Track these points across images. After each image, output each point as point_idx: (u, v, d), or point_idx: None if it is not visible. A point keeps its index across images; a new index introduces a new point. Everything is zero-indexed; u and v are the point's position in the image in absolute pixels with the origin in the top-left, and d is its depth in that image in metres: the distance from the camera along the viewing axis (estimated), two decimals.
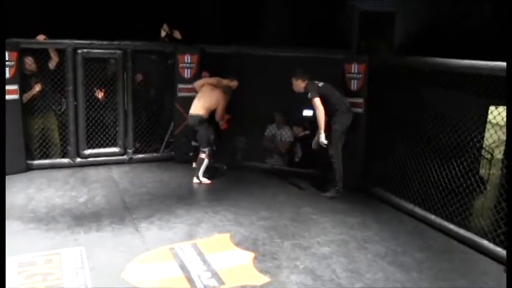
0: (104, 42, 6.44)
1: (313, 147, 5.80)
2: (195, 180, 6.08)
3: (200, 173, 6.08)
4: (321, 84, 5.78)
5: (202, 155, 6.06)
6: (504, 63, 4.05)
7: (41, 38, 6.13)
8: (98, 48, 6.40)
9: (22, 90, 6.03)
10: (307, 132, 6.77)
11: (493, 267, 4.20)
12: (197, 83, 6.34)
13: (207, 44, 6.96)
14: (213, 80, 6.36)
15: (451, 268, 4.19)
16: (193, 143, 6.54)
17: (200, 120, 6.01)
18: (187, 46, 6.84)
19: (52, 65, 6.28)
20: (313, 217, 5.16)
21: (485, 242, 4.42)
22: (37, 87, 6.20)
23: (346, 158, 5.85)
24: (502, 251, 4.19)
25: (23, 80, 6.06)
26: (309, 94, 5.69)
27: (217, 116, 6.16)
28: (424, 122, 5.15)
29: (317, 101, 5.62)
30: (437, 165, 5.04)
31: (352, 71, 6.04)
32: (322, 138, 5.58)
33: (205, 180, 6.09)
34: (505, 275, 3.83)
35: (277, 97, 6.52)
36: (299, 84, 5.83)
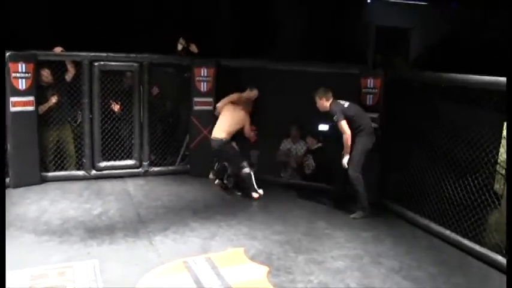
0: (121, 55, 6.51)
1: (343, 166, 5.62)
2: (254, 195, 6.07)
3: (255, 187, 6.10)
4: (346, 104, 5.66)
5: (246, 170, 6.06)
6: None
7: (58, 50, 6.23)
8: (114, 61, 6.46)
9: (38, 102, 6.10)
10: (320, 144, 6.77)
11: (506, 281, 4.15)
12: (219, 106, 6.36)
13: (223, 58, 7.01)
14: (234, 96, 6.34)
15: (465, 283, 4.17)
16: (225, 164, 6.44)
17: (223, 143, 6.06)
18: (204, 59, 6.89)
19: (69, 77, 6.38)
20: (327, 231, 5.14)
21: (499, 258, 4.38)
22: (53, 99, 6.28)
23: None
24: None
25: (39, 91, 6.13)
26: (335, 117, 5.56)
27: (246, 134, 6.25)
28: (439, 136, 5.13)
29: (343, 125, 5.50)
30: (452, 180, 5.01)
31: (368, 86, 6.04)
32: (345, 161, 5.52)
33: (260, 191, 6.14)
34: None
35: (292, 111, 6.53)
36: (323, 103, 5.70)
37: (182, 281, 3.94)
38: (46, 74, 6.23)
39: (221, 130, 6.08)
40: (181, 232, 4.90)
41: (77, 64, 6.33)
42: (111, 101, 6.57)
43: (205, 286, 3.86)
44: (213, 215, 5.44)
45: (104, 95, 6.47)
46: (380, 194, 6.00)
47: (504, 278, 4.19)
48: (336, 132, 6.20)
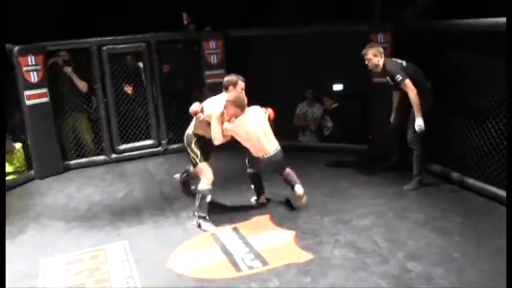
0: (128, 37, 6.50)
1: (418, 131, 5.06)
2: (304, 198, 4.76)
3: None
4: (404, 63, 5.12)
5: (288, 169, 4.80)
6: None
7: (67, 70, 6.32)
8: (122, 43, 6.47)
9: (52, 93, 6.15)
10: (336, 104, 6.73)
11: None
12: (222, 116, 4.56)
13: (230, 28, 6.94)
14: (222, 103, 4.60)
15: (491, 229, 4.14)
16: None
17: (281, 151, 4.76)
18: (211, 32, 6.84)
19: (83, 88, 6.41)
20: (350, 191, 5.16)
21: None
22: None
23: (376, 128, 5.81)
24: None
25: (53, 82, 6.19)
26: (397, 77, 4.97)
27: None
28: (456, 86, 5.04)
29: (409, 84, 4.93)
30: (473, 128, 4.95)
31: (379, 41, 5.94)
32: (421, 123, 4.95)
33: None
34: None
35: (304, 74, 6.48)
36: (377, 62, 5.11)
37: (211, 253, 4.02)
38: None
39: (271, 138, 4.74)
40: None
41: (85, 51, 6.31)
42: (123, 83, 6.60)
43: (234, 255, 3.93)
44: (236, 185, 5.48)
45: (115, 78, 6.50)
46: (401, 148, 5.96)
47: None
48: (351, 91, 6.18)
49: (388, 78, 5.16)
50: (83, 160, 6.54)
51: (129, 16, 7.53)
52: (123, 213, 4.96)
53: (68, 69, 6.31)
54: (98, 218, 4.85)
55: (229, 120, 4.48)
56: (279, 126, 5.24)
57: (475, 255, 3.76)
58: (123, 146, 6.68)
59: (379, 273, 3.57)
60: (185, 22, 7.08)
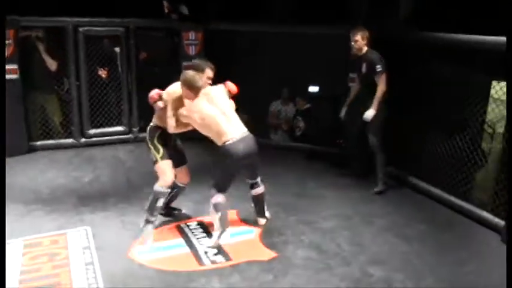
0: (106, 20, 6.38)
1: (341, 115, 5.35)
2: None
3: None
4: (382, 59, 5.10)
5: (262, 188, 4.32)
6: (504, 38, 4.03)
7: (40, 47, 6.14)
8: (99, 26, 6.33)
9: (22, 70, 5.95)
10: (309, 105, 6.77)
11: (492, 237, 4.27)
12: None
13: (212, 21, 6.88)
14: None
15: (452, 239, 4.26)
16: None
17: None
18: (191, 23, 6.78)
19: (53, 68, 6.24)
20: (317, 192, 5.20)
21: (485, 214, 4.48)
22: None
23: (349, 131, 5.87)
24: (500, 222, 4.26)
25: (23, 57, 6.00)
26: (378, 67, 4.98)
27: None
28: (429, 95, 5.12)
29: (384, 77, 5.00)
30: (442, 139, 5.04)
31: None
32: (370, 113, 5.02)
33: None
34: (502, 245, 4.03)
35: (282, 73, 6.48)
36: (361, 46, 5.13)
37: (175, 244, 3.99)
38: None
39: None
40: None
41: (60, 30, 6.16)
42: (97, 67, 6.48)
43: (198, 248, 3.91)
44: (205, 178, 5.41)
45: (90, 61, 6.37)
46: (370, 154, 6.04)
47: (489, 233, 4.31)
48: (325, 93, 6.21)
49: (365, 66, 5.14)
50: (50, 142, 6.39)
51: None
52: (87, 198, 4.86)
53: (41, 46, 6.14)
54: (61, 202, 4.75)
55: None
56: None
57: (435, 263, 3.84)
58: (93, 131, 6.56)
59: (341, 275, 3.60)
60: (166, 10, 7.00)
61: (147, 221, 4.01)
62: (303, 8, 6.94)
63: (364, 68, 5.17)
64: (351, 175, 5.67)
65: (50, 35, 6.16)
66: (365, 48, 5.16)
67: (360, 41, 5.12)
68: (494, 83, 5.11)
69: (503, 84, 4.91)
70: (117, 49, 6.60)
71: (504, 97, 4.85)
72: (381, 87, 5.03)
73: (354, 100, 5.46)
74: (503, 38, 4.05)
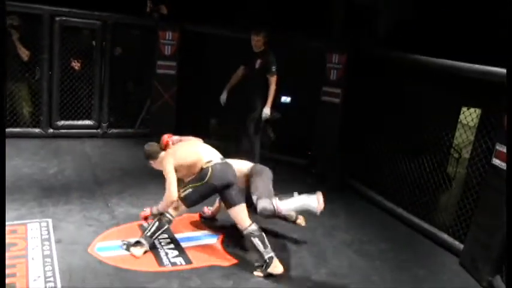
0: (85, 12, 6.27)
1: (222, 97, 5.93)
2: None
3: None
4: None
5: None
6: (480, 66, 4.16)
7: (14, 35, 6.00)
8: (77, 17, 6.23)
9: None
10: (279, 115, 6.81)
11: (451, 259, 4.38)
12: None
13: (189, 22, 6.86)
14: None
15: (412, 259, 4.34)
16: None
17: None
18: (169, 23, 6.75)
19: (25, 57, 6.11)
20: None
21: (445, 236, 4.59)
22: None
23: (318, 144, 5.95)
24: (459, 245, 4.38)
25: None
26: (274, 67, 5.63)
27: None
28: (398, 116, 5.22)
29: (276, 79, 5.66)
30: (409, 160, 5.14)
31: (333, 61, 6.08)
32: (267, 111, 5.69)
33: None
34: (459, 267, 4.17)
35: None
36: (262, 45, 5.76)
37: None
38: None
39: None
40: (138, 195, 4.87)
41: (36, 17, 6.03)
42: (71, 58, 6.38)
43: (159, 249, 3.87)
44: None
45: (64, 51, 6.27)
46: (337, 170, 6.11)
47: (448, 255, 4.41)
48: (297, 104, 6.29)
49: (259, 62, 5.73)
50: (17, 130, 6.22)
51: None
52: (51, 190, 4.76)
53: (15, 35, 6.01)
54: (23, 192, 4.64)
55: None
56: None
57: (394, 280, 3.91)
58: (61, 122, 6.44)
59: (300, 285, 3.63)
60: (148, 9, 6.95)
61: (138, 243, 3.81)
62: (277, 19, 7.00)
63: (258, 64, 5.75)
64: (318, 188, 5.70)
65: (25, 22, 6.03)
66: (262, 47, 5.75)
67: (261, 40, 5.73)
68: (464, 108, 5.26)
69: (472, 110, 5.07)
70: (93, 42, 6.51)
71: (472, 123, 5.01)
72: (273, 87, 5.66)
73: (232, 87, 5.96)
74: (478, 66, 4.19)
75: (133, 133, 6.95)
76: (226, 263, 3.80)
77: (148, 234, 3.79)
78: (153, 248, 3.87)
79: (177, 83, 6.79)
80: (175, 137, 4.21)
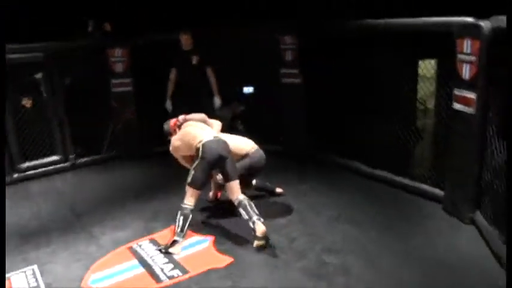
0: (23, 46, 6.00)
1: (166, 107, 6.41)
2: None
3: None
4: None
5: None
6: (426, 19, 4.32)
7: None
8: (18, 53, 5.94)
9: None
10: (242, 107, 6.81)
11: (434, 207, 4.52)
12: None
13: (137, 34, 6.70)
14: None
15: (398, 216, 4.46)
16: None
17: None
18: (116, 40, 6.60)
19: None
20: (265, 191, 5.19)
21: (425, 187, 4.74)
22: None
23: (288, 127, 5.94)
24: (440, 192, 4.54)
25: None
26: (207, 63, 6.21)
27: None
28: (361, 82, 5.25)
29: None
30: (379, 122, 5.19)
31: (286, 42, 6.09)
32: (219, 101, 6.33)
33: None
34: (443, 213, 4.36)
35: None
36: (191, 43, 6.25)
37: (129, 267, 3.87)
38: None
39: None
40: (120, 218, 4.78)
41: None
42: (21, 96, 6.19)
43: (153, 266, 3.82)
44: (150, 195, 5.34)
45: (12, 90, 6.05)
46: (310, 146, 6.14)
47: (431, 204, 4.57)
48: (260, 92, 6.29)
49: (196, 58, 6.23)
50: None
51: (27, 22, 7.01)
52: (30, 235, 4.60)
53: None
54: None
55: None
56: None
57: (386, 242, 3.97)
58: (26, 164, 6.24)
59: (299, 268, 3.64)
60: (90, 29, 6.80)
61: (174, 242, 4.08)
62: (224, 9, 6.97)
63: (195, 60, 6.23)
64: (297, 169, 5.75)
65: None
66: (192, 45, 6.26)
67: (189, 39, 6.23)
68: (420, 62, 5.34)
69: (427, 62, 5.16)
70: (39, 75, 6.31)
71: (429, 74, 5.09)
72: (214, 77, 6.29)
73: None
74: (423, 19, 4.33)
75: (103, 158, 6.81)
76: (222, 264, 3.77)
77: (179, 229, 4.06)
78: (147, 266, 3.82)
79: (134, 98, 6.65)
80: (181, 117, 4.64)
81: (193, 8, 7.33)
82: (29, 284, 3.74)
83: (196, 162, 4.13)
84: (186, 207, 4.10)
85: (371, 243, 3.96)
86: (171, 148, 4.55)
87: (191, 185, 4.11)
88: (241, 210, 4.04)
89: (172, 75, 6.42)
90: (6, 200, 5.58)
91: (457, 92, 4.09)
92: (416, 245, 3.91)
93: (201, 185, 4.14)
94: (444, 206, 4.43)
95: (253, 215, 3.98)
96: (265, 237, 3.96)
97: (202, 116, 4.71)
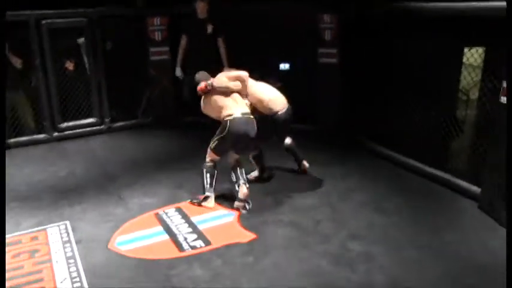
0: (68, 11, 6.19)
1: (177, 74, 6.37)
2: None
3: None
4: None
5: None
6: (475, 3, 4.08)
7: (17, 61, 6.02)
8: (62, 18, 6.16)
9: None
10: (280, 84, 6.73)
11: (468, 203, 4.35)
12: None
13: (176, 4, 6.74)
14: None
15: (429, 209, 4.32)
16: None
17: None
18: (156, 8, 6.65)
19: (19, 65, 6.08)
20: (294, 170, 5.19)
21: (461, 182, 4.54)
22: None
23: (324, 107, 5.93)
24: (476, 189, 4.33)
25: None
26: (221, 31, 6.15)
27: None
28: (402, 68, 5.12)
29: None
30: (416, 109, 5.06)
31: (325, 21, 5.99)
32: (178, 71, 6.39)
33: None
34: (478, 211, 4.13)
35: (251, 52, 6.43)
36: (207, 11, 6.14)
37: (154, 232, 3.96)
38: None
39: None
40: (149, 185, 4.89)
41: (22, 24, 5.98)
42: (64, 59, 6.34)
43: (177, 235, 3.89)
44: (179, 165, 5.43)
45: (55, 53, 6.21)
46: (344, 128, 6.07)
47: (466, 201, 4.38)
48: (298, 70, 6.22)
49: (211, 27, 6.12)
50: (23, 139, 6.24)
51: None
52: (65, 192, 4.78)
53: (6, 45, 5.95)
54: (39, 198, 4.66)
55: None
56: None
57: (414, 234, 3.89)
58: (64, 124, 6.44)
59: (321, 252, 3.62)
60: None
61: (206, 198, 4.43)
62: None
63: (209, 29, 6.12)
64: (329, 151, 5.71)
65: (11, 30, 5.96)
66: (207, 14, 6.14)
67: (205, 6, 6.10)
68: (465, 49, 5.12)
69: (474, 50, 4.94)
70: (81, 40, 6.44)
71: (475, 63, 4.88)
72: (224, 48, 6.20)
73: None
74: (473, 3, 4.11)
75: (137, 124, 6.94)
76: (244, 240, 3.81)
77: (208, 185, 4.41)
78: (171, 234, 3.90)
79: (171, 67, 6.72)
80: (209, 82, 4.50)
81: None
82: (62, 238, 3.92)
83: (221, 135, 4.31)
84: (210, 164, 4.41)
85: (398, 233, 3.90)
86: (202, 107, 4.58)
87: (213, 151, 4.40)
88: (232, 173, 4.40)
89: (184, 41, 6.29)
90: (45, 157, 5.83)
91: (505, 84, 3.79)
92: (445, 241, 3.78)
93: (221, 153, 4.43)
94: (480, 204, 4.23)
95: (240, 179, 4.34)
96: (246, 200, 4.29)
97: (227, 83, 4.53)
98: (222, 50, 6.22)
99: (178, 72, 6.40)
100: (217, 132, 4.35)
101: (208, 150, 4.43)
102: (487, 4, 3.97)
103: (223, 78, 4.55)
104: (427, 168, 4.92)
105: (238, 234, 3.90)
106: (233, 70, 4.76)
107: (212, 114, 4.49)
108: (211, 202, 4.41)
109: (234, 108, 4.37)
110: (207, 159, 4.45)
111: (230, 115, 4.29)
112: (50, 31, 6.07)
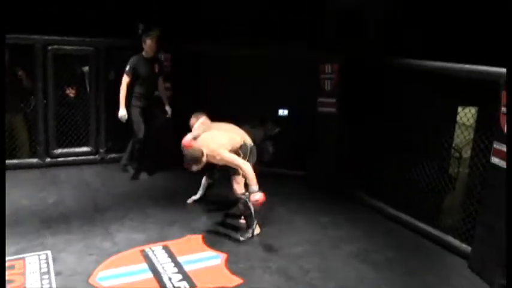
0: (76, 39, 6.27)
1: (121, 115, 5.98)
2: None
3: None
4: None
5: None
6: (472, 66, 4.16)
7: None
8: (69, 45, 6.23)
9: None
10: (278, 129, 6.75)
11: (459, 262, 4.30)
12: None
13: (181, 41, 6.82)
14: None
15: (420, 265, 4.26)
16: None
17: None
18: (162, 44, 6.72)
19: (27, 82, 6.17)
20: (285, 217, 5.15)
21: (452, 239, 4.51)
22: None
23: (318, 158, 5.91)
24: (466, 247, 4.29)
25: None
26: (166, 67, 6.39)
27: None
28: (396, 121, 5.16)
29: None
30: (409, 165, 5.07)
31: (326, 71, 6.05)
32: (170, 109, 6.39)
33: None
34: (468, 270, 4.08)
35: (250, 97, 6.47)
36: (156, 49, 6.11)
37: (138, 270, 3.87)
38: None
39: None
40: (139, 220, 4.82)
41: (29, 48, 6.05)
42: (65, 85, 6.37)
43: (162, 274, 3.80)
44: (172, 202, 5.37)
45: (57, 79, 6.25)
46: (337, 179, 6.04)
47: (457, 259, 4.32)
48: (295, 117, 6.23)
49: (157, 66, 6.14)
50: (14, 161, 6.18)
51: (80, 17, 7.25)
52: (50, 221, 4.70)
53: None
54: (23, 225, 4.57)
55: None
56: None
57: None
58: (59, 150, 6.41)
59: None
60: (140, 31, 6.94)
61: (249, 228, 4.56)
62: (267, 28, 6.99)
63: (157, 68, 6.12)
64: (321, 200, 5.67)
65: (15, 51, 6.01)
66: (156, 52, 6.13)
67: (156, 45, 6.02)
68: (459, 108, 5.20)
69: (467, 110, 5.02)
70: (86, 68, 6.50)
71: (469, 123, 4.95)
72: (163, 87, 6.32)
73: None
74: (469, 66, 4.17)
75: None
76: (230, 284, 3.72)
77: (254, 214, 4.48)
78: (156, 273, 3.81)
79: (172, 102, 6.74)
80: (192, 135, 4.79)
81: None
82: (40, 268, 3.80)
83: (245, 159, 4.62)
84: (244, 196, 4.48)
85: (387, 287, 3.83)
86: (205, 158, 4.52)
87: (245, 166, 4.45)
88: (240, 205, 4.51)
89: (125, 82, 5.93)
90: (35, 182, 5.76)
91: (496, 145, 3.89)
92: None
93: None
94: (470, 264, 4.17)
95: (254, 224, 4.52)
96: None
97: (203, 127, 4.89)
98: (165, 90, 6.40)
99: (123, 113, 5.97)
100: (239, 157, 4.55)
101: (238, 179, 4.58)
102: (481, 68, 4.06)
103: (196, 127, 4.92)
104: (418, 223, 4.88)
105: (224, 278, 3.82)
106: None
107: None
108: (258, 229, 4.61)
109: (242, 137, 4.80)
110: (241, 191, 4.57)
111: (246, 143, 4.77)
112: (55, 57, 6.11)
